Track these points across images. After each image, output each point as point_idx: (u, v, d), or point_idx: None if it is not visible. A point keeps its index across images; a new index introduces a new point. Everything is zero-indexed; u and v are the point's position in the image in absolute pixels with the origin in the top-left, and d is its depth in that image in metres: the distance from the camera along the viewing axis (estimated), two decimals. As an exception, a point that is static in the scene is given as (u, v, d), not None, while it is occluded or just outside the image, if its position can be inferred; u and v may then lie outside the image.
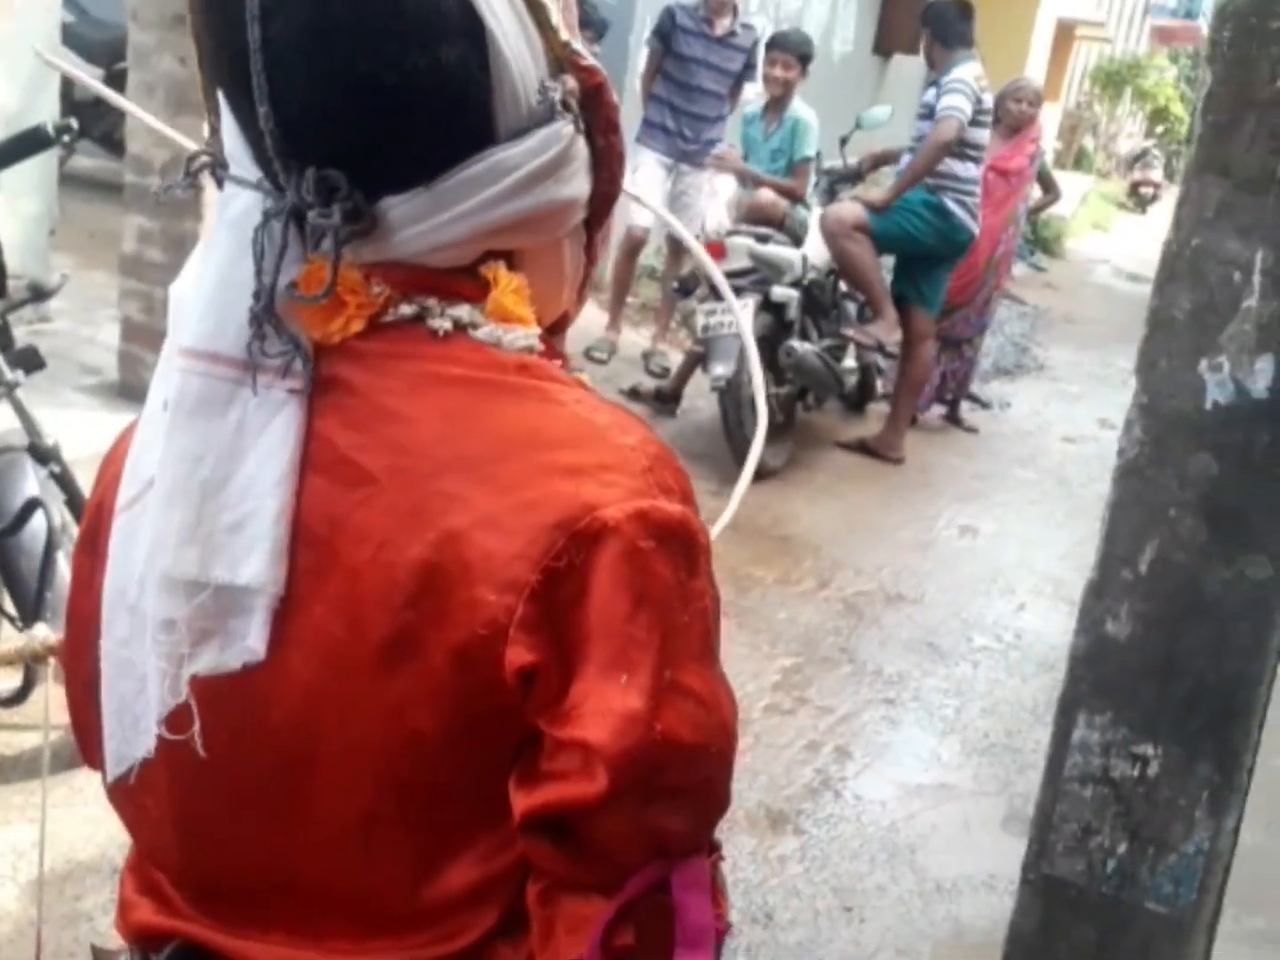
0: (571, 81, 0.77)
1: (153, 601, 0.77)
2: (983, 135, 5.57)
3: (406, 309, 0.76)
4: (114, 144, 5.92)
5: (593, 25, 5.50)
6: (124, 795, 0.86)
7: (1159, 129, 26.70)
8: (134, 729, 0.81)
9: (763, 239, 5.23)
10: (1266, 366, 2.12)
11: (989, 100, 5.60)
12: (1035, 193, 7.25)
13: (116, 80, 6.52)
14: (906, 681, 3.80)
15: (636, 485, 0.73)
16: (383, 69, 0.71)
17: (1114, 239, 16.92)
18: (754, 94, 6.32)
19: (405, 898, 0.77)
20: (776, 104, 5.97)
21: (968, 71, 5.43)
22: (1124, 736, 2.32)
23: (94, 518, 0.87)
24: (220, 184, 0.77)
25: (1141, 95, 24.43)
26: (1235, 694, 2.26)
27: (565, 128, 0.77)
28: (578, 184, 0.79)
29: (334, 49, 0.71)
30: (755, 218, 5.50)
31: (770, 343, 5.04)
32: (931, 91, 5.56)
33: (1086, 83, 24.17)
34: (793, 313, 5.26)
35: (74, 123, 2.47)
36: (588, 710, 0.70)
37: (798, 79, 5.92)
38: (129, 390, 3.57)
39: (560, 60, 0.77)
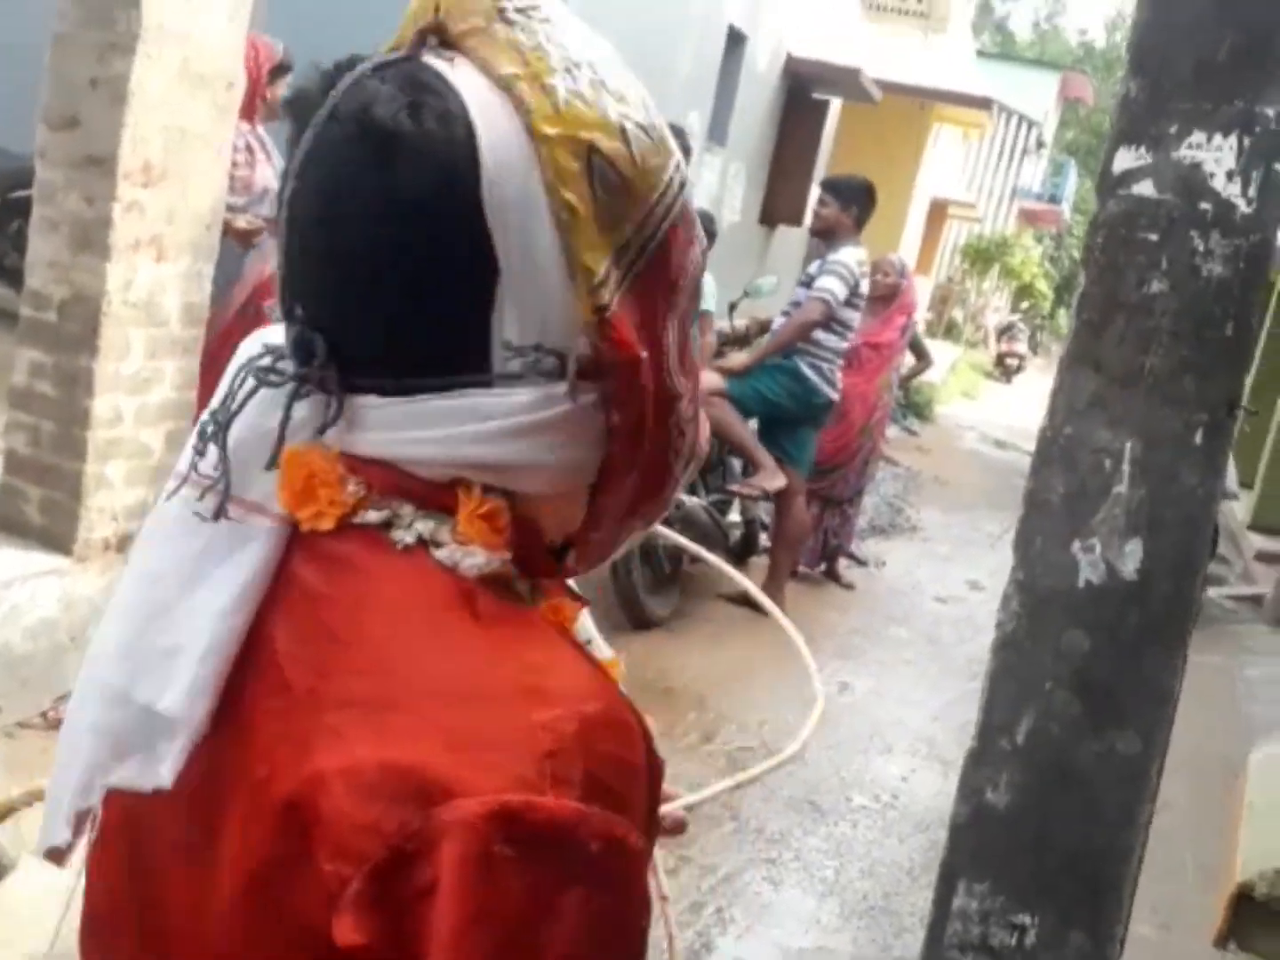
0: (589, 347, 0.71)
1: (91, 702, 0.77)
2: (853, 315, 5.84)
3: (374, 515, 0.72)
4: (6, 272, 5.87)
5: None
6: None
7: (1024, 304, 28.14)
8: (54, 814, 0.80)
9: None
10: (1135, 549, 2.24)
11: (865, 285, 5.90)
12: (908, 359, 7.60)
13: (10, 207, 6.50)
14: (788, 840, 3.82)
15: (521, 773, 0.62)
16: (375, 279, 0.70)
17: (981, 406, 17.64)
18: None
19: None
20: None
21: (852, 256, 5.72)
22: (1002, 905, 2.37)
23: None
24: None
25: (1008, 272, 25.76)
26: (1106, 865, 2.34)
27: (558, 392, 0.71)
28: (571, 453, 0.73)
29: (337, 256, 0.71)
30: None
31: (658, 497, 5.12)
32: (816, 264, 5.83)
33: (957, 258, 25.42)
34: (680, 469, 5.37)
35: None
36: None
37: None
38: (8, 523, 3.48)
39: (590, 323, 0.71)
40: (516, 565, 0.74)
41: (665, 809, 0.98)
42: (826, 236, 5.93)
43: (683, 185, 0.75)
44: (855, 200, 5.82)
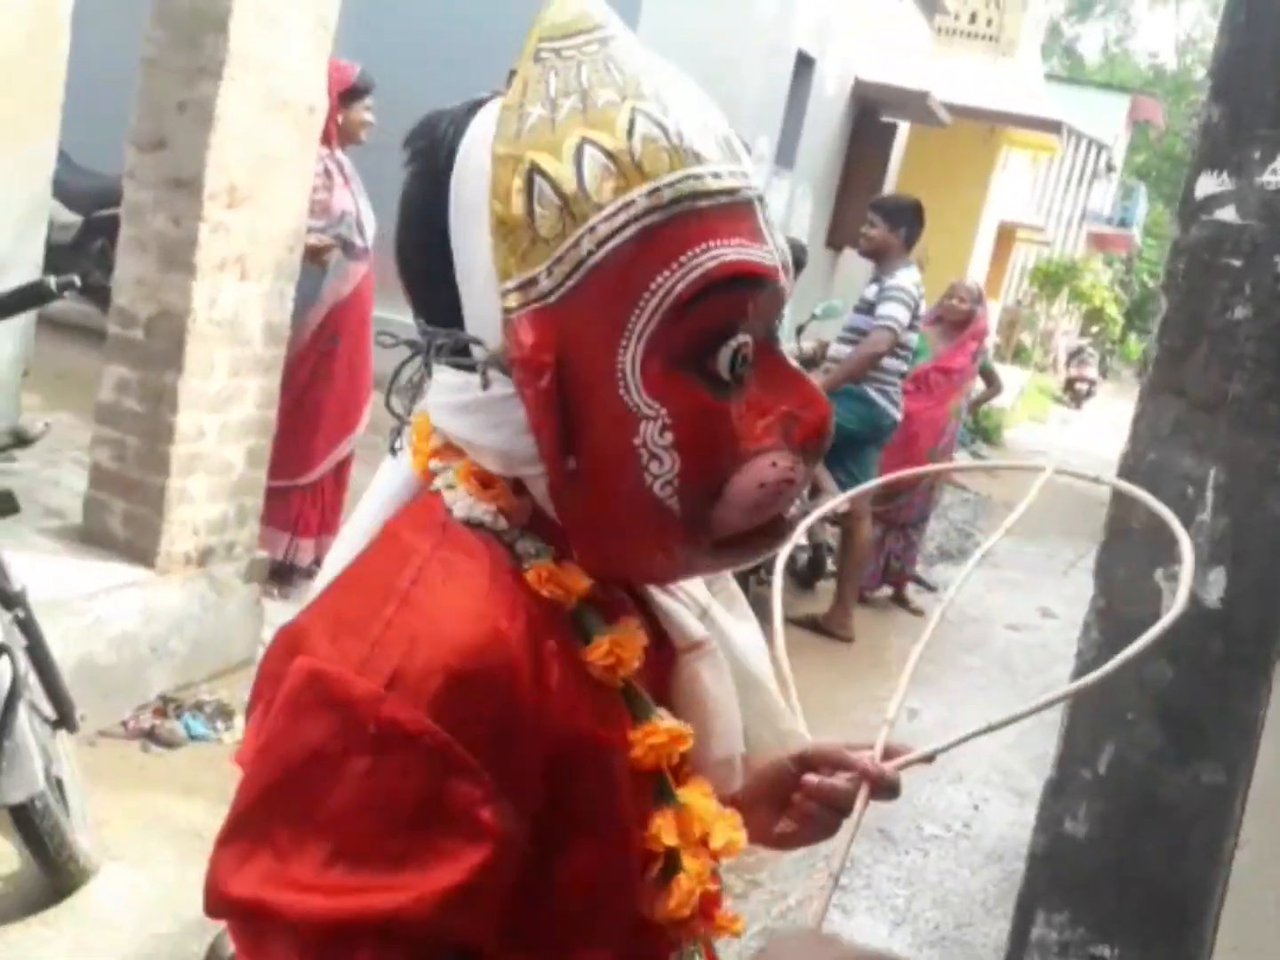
0: (503, 345, 0.79)
1: None
2: (913, 337, 5.83)
3: (434, 463, 0.87)
4: (89, 289, 6.01)
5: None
6: None
7: (1094, 328, 27.80)
8: None
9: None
10: (1219, 578, 2.21)
11: (924, 306, 5.87)
12: (978, 385, 7.55)
13: (95, 226, 6.66)
14: (859, 868, 3.79)
15: (355, 652, 0.74)
16: (404, 264, 0.86)
17: (1051, 431, 17.44)
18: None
19: None
20: None
21: (909, 278, 5.67)
22: (1081, 936, 2.34)
23: None
24: None
25: (1078, 295, 25.48)
26: (1189, 899, 2.30)
27: (473, 379, 0.80)
28: (498, 437, 0.81)
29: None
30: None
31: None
32: (873, 288, 5.77)
33: (1026, 282, 25.20)
34: (747, 492, 5.37)
35: (76, 280, 2.53)
36: None
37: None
38: (93, 536, 3.56)
39: (504, 322, 0.79)
40: (535, 534, 0.84)
41: (898, 761, 0.99)
42: (876, 258, 5.87)
43: (654, 210, 0.76)
44: (904, 220, 5.75)
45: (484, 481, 0.84)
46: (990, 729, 1.03)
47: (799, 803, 1.00)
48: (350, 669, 0.73)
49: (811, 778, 0.99)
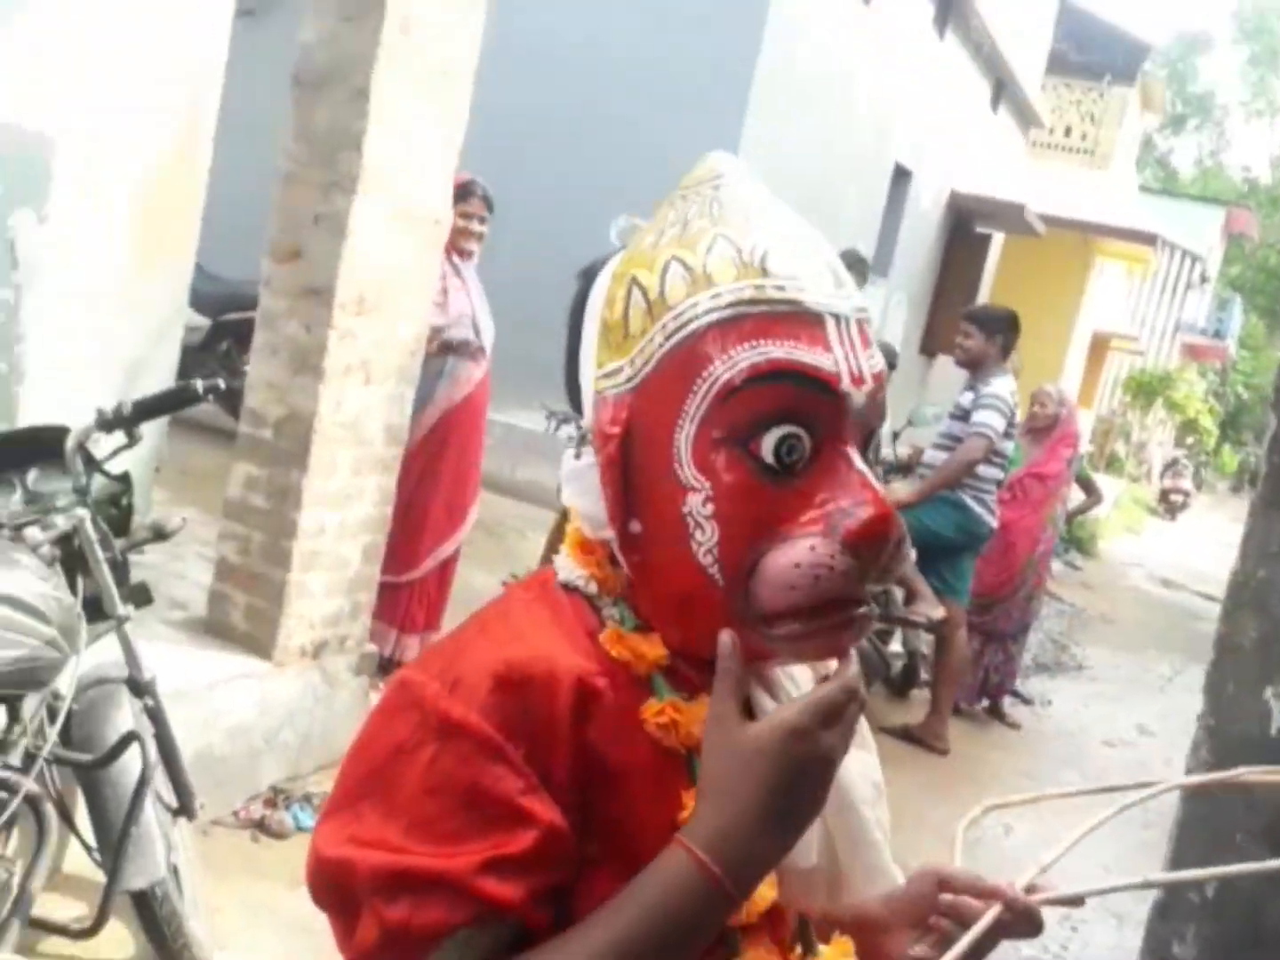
0: (591, 421, 0.95)
1: None
2: (1009, 445, 5.84)
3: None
4: (216, 391, 6.26)
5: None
6: None
7: (1189, 439, 27.38)
8: None
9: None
10: (1332, 699, 2.20)
11: (1019, 415, 5.89)
12: (1075, 494, 7.49)
13: (221, 329, 6.96)
14: (955, 987, 3.72)
15: (432, 664, 0.90)
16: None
17: (1145, 543, 17.14)
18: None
19: None
20: None
21: (1005, 387, 5.70)
22: (1191, 1064, 2.29)
23: None
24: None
25: (1172, 406, 25.17)
26: (1302, 1028, 2.25)
27: (567, 450, 0.99)
28: (586, 503, 0.96)
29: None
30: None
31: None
32: (969, 396, 5.79)
33: (1119, 391, 24.98)
34: (845, 598, 5.39)
35: (221, 383, 2.69)
36: None
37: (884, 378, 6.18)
38: (216, 628, 3.69)
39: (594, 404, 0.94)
40: (629, 605, 0.95)
41: (1042, 897, 1.01)
42: (972, 367, 5.88)
43: (713, 310, 0.89)
44: (999, 330, 5.79)
45: (586, 549, 0.97)
46: (1147, 884, 1.05)
47: (935, 923, 1.03)
48: (430, 678, 0.88)
49: (947, 897, 1.03)
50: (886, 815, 1.06)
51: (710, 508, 0.87)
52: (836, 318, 0.90)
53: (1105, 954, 4.18)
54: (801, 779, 0.84)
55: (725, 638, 0.88)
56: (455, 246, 4.60)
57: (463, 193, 4.56)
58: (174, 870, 2.74)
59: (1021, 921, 1.00)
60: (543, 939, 0.85)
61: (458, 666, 0.88)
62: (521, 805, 0.84)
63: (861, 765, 1.05)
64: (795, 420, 0.88)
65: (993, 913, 0.99)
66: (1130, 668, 8.65)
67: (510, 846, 0.83)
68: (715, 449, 0.88)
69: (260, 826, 3.51)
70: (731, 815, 0.84)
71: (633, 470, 0.91)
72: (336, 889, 0.87)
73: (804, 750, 0.84)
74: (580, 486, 0.97)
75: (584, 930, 0.85)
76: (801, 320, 0.88)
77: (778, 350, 0.87)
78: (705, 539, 0.88)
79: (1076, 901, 1.04)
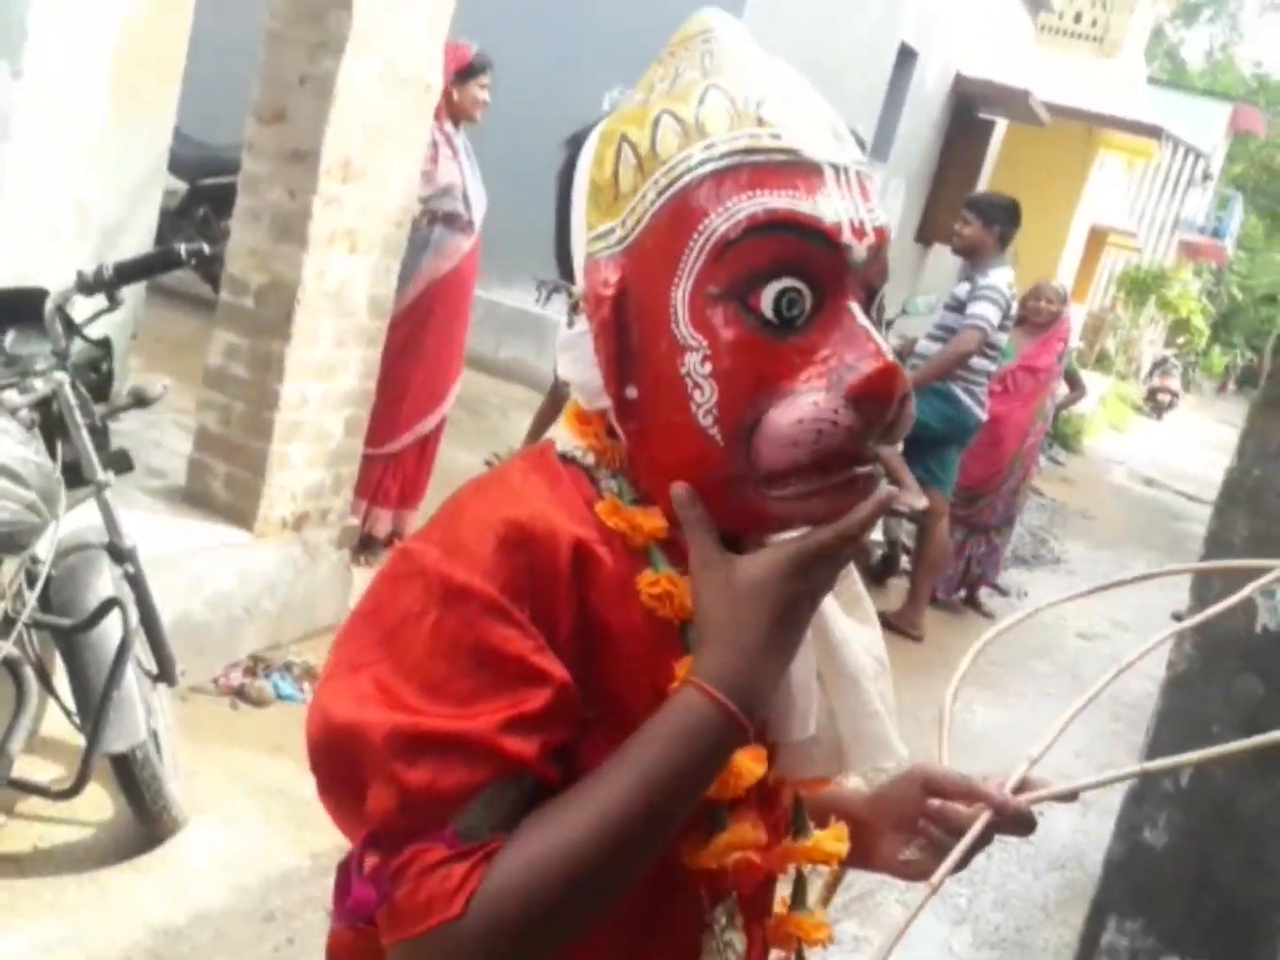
0: (583, 287, 0.91)
1: None
2: (1003, 338, 5.77)
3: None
4: (200, 256, 6.14)
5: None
6: None
7: (1179, 339, 27.30)
8: None
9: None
10: (1315, 598, 2.21)
11: (1015, 307, 5.81)
12: (1062, 389, 7.46)
13: (198, 194, 6.81)
14: (922, 866, 3.81)
15: (433, 533, 0.89)
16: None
17: (1130, 441, 17.19)
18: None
19: None
20: None
21: (1002, 278, 5.60)
22: (1152, 945, 2.35)
23: None
24: None
25: (1165, 305, 25.03)
26: (1265, 915, 2.30)
27: (560, 318, 0.97)
28: (581, 371, 0.94)
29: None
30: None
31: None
32: (965, 286, 5.71)
33: (1113, 287, 24.81)
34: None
35: (205, 248, 2.62)
36: None
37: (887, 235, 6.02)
38: (195, 497, 3.66)
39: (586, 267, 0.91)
40: (627, 478, 0.93)
41: (1031, 796, 1.00)
42: (969, 255, 5.81)
43: (708, 161, 0.85)
44: (999, 219, 5.69)
45: (583, 421, 0.95)
46: (1144, 773, 1.03)
47: (924, 828, 1.02)
48: (430, 545, 0.87)
49: (935, 801, 1.02)
50: (890, 690, 1.05)
51: (709, 366, 0.85)
52: (836, 168, 0.87)
53: (1071, 838, 4.27)
54: (794, 614, 0.86)
55: (677, 489, 0.87)
56: (469, 117, 4.48)
57: (480, 65, 4.44)
58: (154, 735, 2.76)
59: (1011, 823, 0.99)
60: (552, 796, 0.85)
61: (458, 531, 0.87)
62: (534, 664, 0.83)
63: (865, 640, 1.05)
64: (795, 274, 0.84)
65: (982, 820, 0.98)
66: (1108, 564, 8.72)
67: (528, 704, 0.82)
68: (713, 305, 0.85)
69: (240, 694, 3.53)
70: (735, 653, 0.84)
71: (627, 334, 0.88)
72: (345, 755, 0.84)
73: (795, 590, 0.85)
74: (574, 356, 0.94)
75: (609, 772, 0.84)
76: (799, 170, 0.85)
77: (776, 200, 0.84)
78: (704, 399, 0.85)
79: (1069, 797, 1.03)
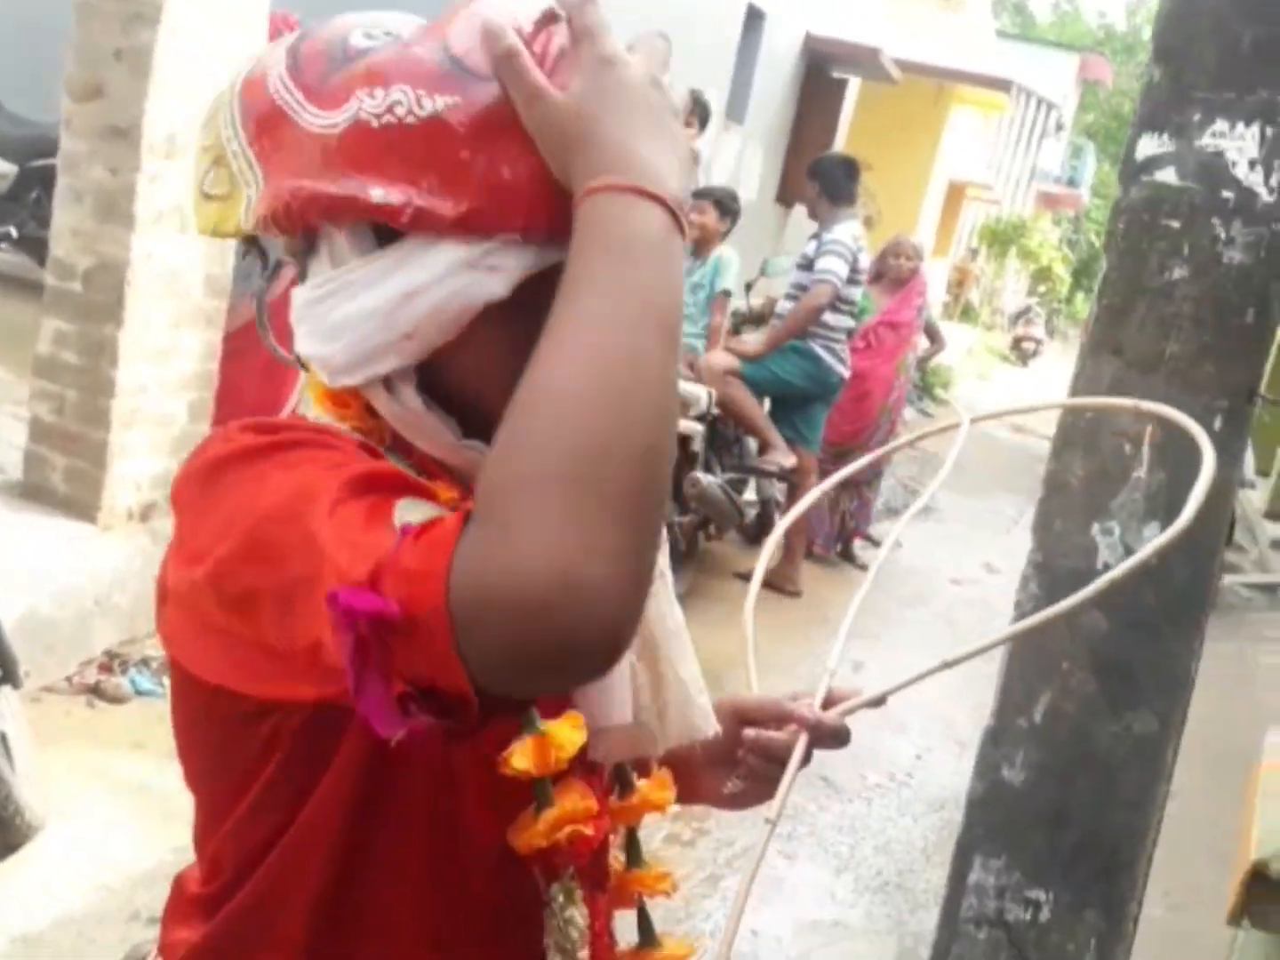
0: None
1: None
2: (855, 291, 5.88)
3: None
4: (25, 240, 5.88)
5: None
6: None
7: (1041, 288, 27.99)
8: None
9: (671, 375, 5.38)
10: (1154, 533, 2.25)
11: (865, 260, 5.92)
12: (923, 343, 7.60)
13: (29, 176, 6.51)
14: (803, 816, 3.84)
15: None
16: None
17: (997, 389, 17.58)
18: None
19: None
20: (698, 245, 6.07)
21: (847, 231, 5.73)
22: (1017, 880, 2.39)
23: None
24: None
25: (1026, 254, 25.63)
26: (1122, 844, 2.35)
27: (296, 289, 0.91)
28: (317, 345, 0.88)
29: None
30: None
31: (675, 473, 5.14)
32: (812, 245, 5.84)
33: (974, 240, 25.31)
34: (697, 445, 5.40)
35: (13, 231, 2.49)
36: None
37: (715, 224, 6.01)
38: (34, 492, 3.51)
39: None
40: (395, 451, 0.87)
41: (842, 706, 1.00)
42: (816, 216, 5.98)
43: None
44: (826, 176, 5.87)
45: (338, 401, 0.87)
46: (946, 666, 1.01)
47: (743, 758, 1.01)
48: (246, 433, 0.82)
49: (750, 732, 1.00)
50: (689, 649, 1.02)
51: None
52: None
53: (949, 779, 4.35)
54: (649, 102, 0.78)
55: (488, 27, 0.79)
56: None
57: None
58: (3, 739, 2.65)
59: (828, 739, 0.98)
60: None
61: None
62: (417, 484, 0.78)
63: (655, 606, 0.99)
64: None
65: (800, 744, 0.97)
66: (978, 510, 8.91)
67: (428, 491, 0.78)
68: None
69: (95, 691, 3.41)
70: (617, 144, 0.76)
71: None
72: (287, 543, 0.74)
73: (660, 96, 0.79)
74: (311, 328, 0.84)
75: (562, 319, 0.72)
76: None
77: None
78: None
79: (878, 702, 1.02)
